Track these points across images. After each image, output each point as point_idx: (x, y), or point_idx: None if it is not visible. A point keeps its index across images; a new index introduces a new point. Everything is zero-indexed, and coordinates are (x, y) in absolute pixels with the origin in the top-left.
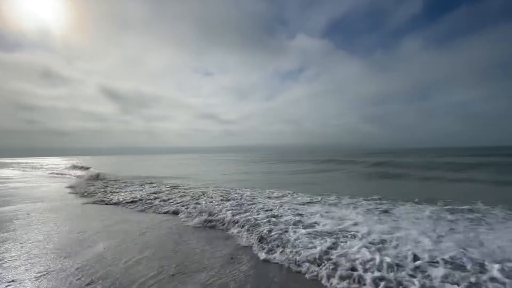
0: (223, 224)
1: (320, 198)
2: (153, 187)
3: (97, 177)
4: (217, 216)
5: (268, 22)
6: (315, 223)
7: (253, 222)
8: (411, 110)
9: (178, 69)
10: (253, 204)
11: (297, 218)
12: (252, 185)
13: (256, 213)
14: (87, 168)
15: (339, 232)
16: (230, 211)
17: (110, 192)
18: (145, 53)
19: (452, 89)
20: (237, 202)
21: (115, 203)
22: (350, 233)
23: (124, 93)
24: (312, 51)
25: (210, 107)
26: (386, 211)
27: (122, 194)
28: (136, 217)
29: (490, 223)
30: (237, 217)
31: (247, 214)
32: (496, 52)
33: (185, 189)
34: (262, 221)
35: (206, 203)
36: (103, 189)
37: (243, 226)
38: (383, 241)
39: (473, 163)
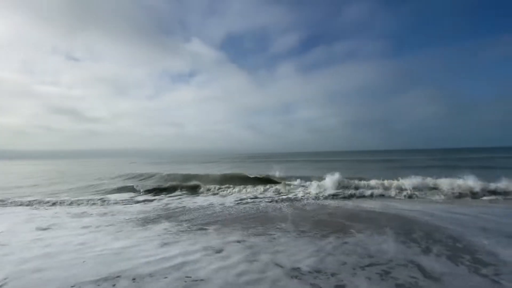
0: None
1: None
2: None
3: None
4: None
5: (166, 20)
6: None
7: None
8: (279, 121)
9: (28, 45)
10: None
11: None
12: None
13: None
14: None
15: None
16: None
17: None
18: None
19: (307, 107)
20: None
21: None
22: None
23: None
24: (206, 59)
25: (72, 99)
26: None
27: None
28: None
29: None
30: None
31: None
32: (338, 83)
33: None
34: None
35: None
36: None
37: None
38: None
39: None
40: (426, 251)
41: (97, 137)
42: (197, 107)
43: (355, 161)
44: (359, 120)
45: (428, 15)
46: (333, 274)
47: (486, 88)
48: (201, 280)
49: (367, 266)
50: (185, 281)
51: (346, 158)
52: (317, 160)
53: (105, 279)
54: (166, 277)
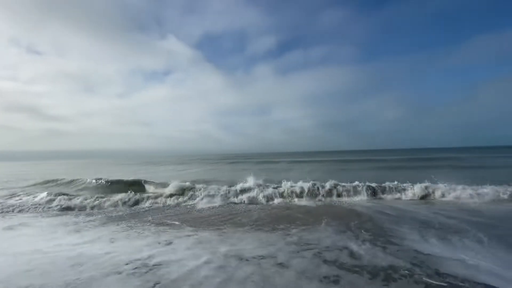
0: None
1: None
2: None
3: None
4: None
5: (141, 15)
6: None
7: None
8: (255, 122)
9: None
10: None
11: None
12: None
13: None
14: None
15: None
16: None
17: None
18: None
19: (283, 109)
20: None
21: None
22: None
23: None
24: (182, 57)
25: (32, 96)
26: None
27: None
28: None
29: None
30: None
31: None
32: (313, 86)
33: None
34: None
35: None
36: None
37: None
38: None
39: None
40: (357, 236)
41: (61, 137)
42: (172, 106)
43: (326, 161)
44: (332, 122)
45: (396, 25)
46: (272, 257)
47: (444, 93)
48: (159, 264)
49: (304, 250)
50: (146, 265)
51: (320, 158)
52: (290, 161)
53: (71, 277)
54: (127, 264)
